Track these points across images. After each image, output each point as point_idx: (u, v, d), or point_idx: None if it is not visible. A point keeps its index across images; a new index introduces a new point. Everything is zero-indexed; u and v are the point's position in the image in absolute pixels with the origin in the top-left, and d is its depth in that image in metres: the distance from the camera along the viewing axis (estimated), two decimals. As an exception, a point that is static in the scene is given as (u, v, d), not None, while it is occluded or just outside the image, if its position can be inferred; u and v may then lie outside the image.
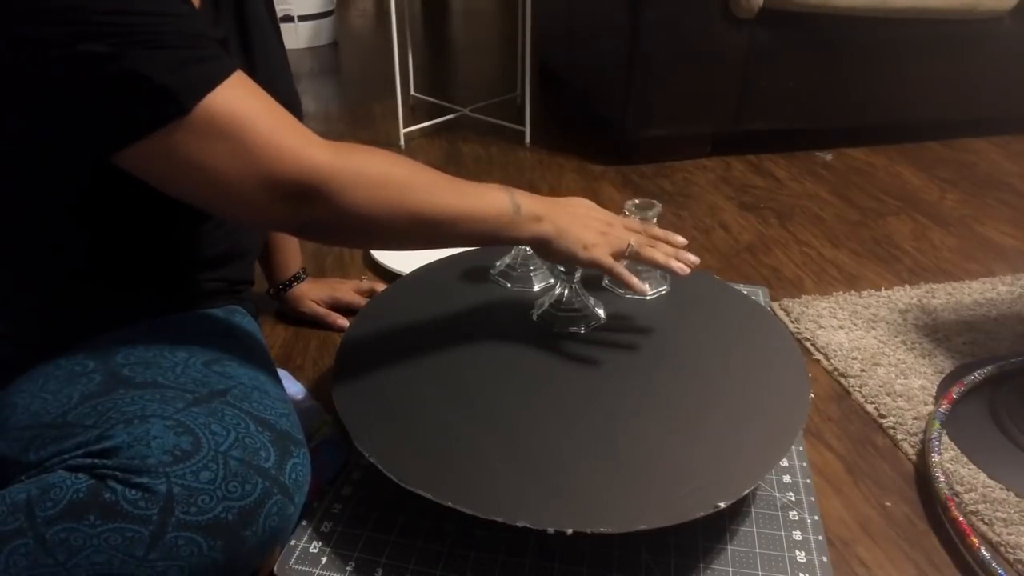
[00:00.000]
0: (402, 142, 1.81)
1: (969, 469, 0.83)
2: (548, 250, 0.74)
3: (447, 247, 0.71)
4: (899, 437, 0.88)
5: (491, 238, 0.70)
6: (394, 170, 0.64)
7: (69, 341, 0.66)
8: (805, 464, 0.82)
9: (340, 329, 1.07)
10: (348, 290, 1.11)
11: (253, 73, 0.60)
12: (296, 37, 2.72)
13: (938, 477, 0.80)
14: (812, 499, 0.77)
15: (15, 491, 0.54)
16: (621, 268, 0.76)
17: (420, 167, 0.67)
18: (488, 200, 0.69)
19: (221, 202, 0.59)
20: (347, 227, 0.63)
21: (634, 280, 0.76)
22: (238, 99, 0.55)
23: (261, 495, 0.56)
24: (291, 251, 1.07)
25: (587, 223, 0.75)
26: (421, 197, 0.64)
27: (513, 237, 0.72)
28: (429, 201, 0.65)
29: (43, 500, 0.52)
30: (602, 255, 0.74)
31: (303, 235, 0.64)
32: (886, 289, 1.19)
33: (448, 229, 0.67)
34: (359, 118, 2.03)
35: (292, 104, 0.77)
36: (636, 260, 0.77)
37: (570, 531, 0.60)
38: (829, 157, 1.77)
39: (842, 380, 0.98)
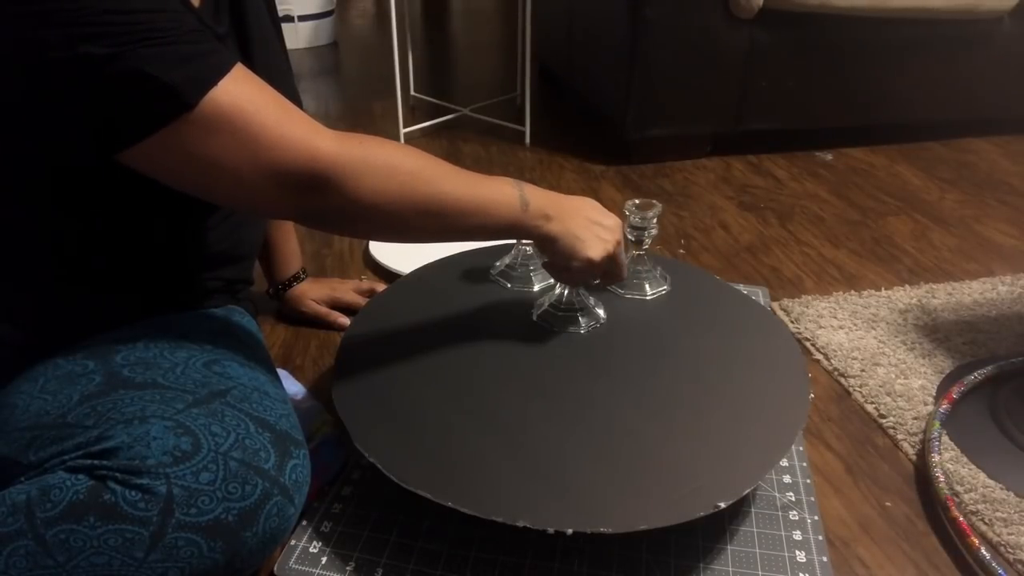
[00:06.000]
0: (402, 142, 1.81)
1: (969, 469, 0.82)
2: (551, 249, 0.74)
3: (453, 240, 0.70)
4: (899, 437, 0.88)
5: (497, 233, 0.70)
6: (403, 160, 0.64)
7: (69, 342, 0.66)
8: (805, 464, 0.82)
9: (340, 328, 1.06)
10: (348, 290, 1.11)
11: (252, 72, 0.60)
12: (296, 37, 2.72)
13: (938, 477, 0.80)
14: (812, 499, 0.77)
15: (15, 492, 0.54)
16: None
17: (429, 158, 0.66)
18: (497, 195, 0.69)
19: (229, 194, 0.59)
20: (355, 217, 0.63)
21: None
22: (242, 91, 0.55)
23: (261, 496, 0.56)
24: (291, 251, 1.06)
25: (595, 231, 0.75)
26: (429, 187, 0.64)
27: (519, 234, 0.72)
28: (438, 192, 0.65)
29: (43, 501, 0.52)
30: (599, 267, 0.76)
31: (312, 225, 0.65)
32: (886, 289, 1.19)
33: (454, 222, 0.67)
34: (359, 118, 2.03)
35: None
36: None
37: (570, 531, 0.60)
38: (829, 157, 1.77)
39: (842, 380, 0.98)
